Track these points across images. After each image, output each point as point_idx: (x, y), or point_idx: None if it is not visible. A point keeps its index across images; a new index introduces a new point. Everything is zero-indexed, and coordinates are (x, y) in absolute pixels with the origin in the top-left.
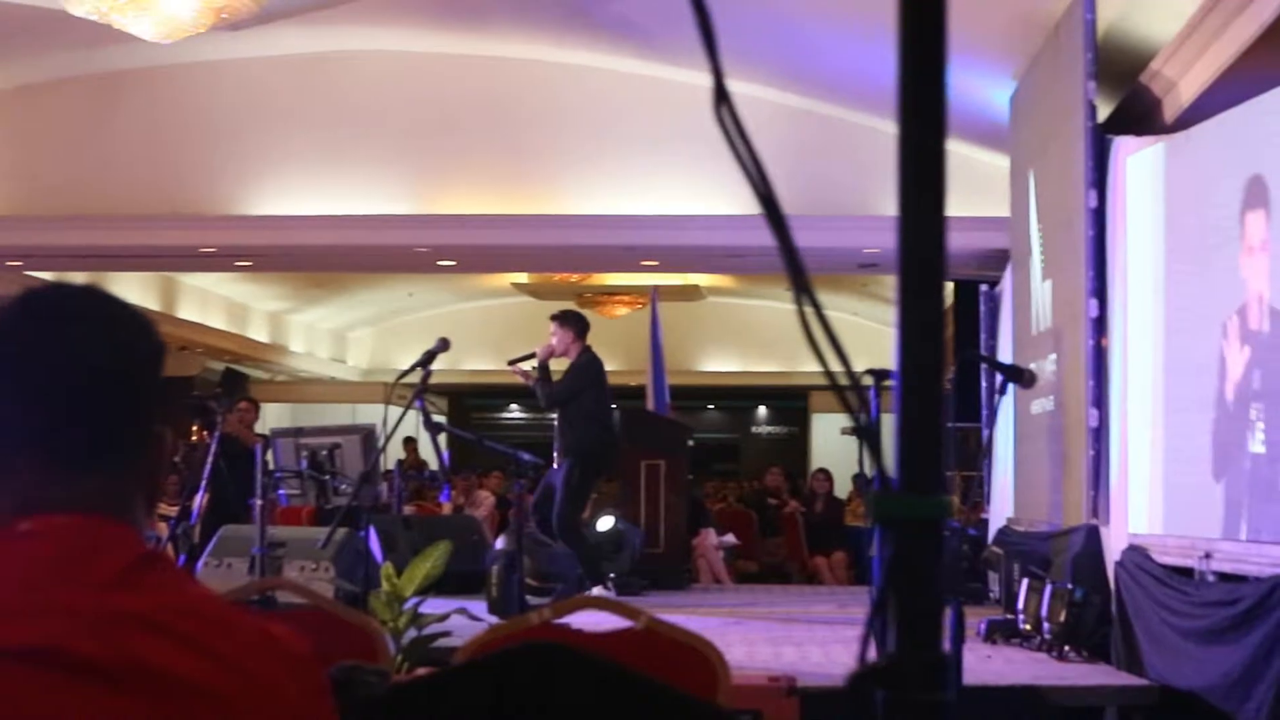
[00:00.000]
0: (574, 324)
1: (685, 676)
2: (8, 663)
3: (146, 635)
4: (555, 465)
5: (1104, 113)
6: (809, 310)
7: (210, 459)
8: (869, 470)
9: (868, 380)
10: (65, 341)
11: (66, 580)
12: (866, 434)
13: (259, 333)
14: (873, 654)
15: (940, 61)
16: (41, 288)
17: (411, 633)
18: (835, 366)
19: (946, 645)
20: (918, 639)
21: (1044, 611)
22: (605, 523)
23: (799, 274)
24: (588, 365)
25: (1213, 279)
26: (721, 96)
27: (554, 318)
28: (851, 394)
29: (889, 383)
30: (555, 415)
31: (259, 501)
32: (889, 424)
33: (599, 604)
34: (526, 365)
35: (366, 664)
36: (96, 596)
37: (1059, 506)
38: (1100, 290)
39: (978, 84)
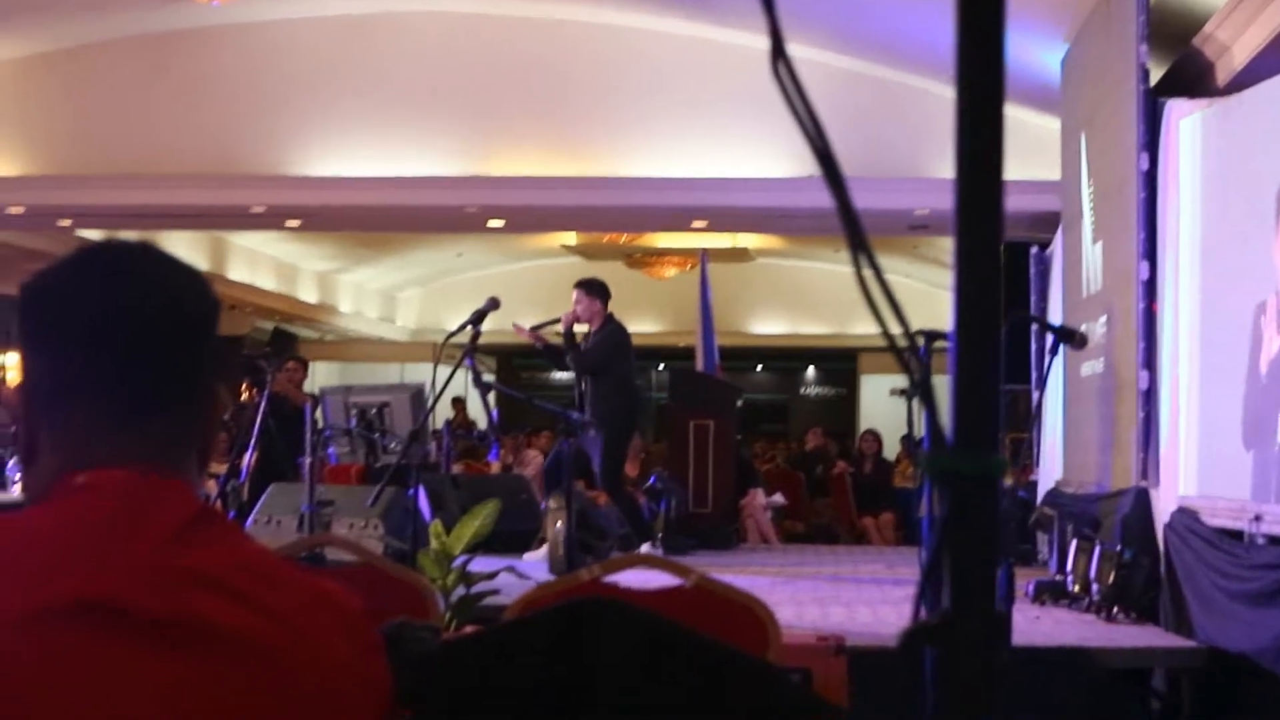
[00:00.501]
0: (600, 293)
1: (735, 634)
2: (63, 618)
3: (201, 591)
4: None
5: (1156, 75)
6: (866, 269)
7: (259, 417)
8: (918, 431)
9: (919, 340)
10: (121, 296)
11: (122, 536)
12: (923, 391)
13: (308, 293)
14: (924, 612)
15: (999, 22)
16: (96, 244)
17: (460, 590)
18: (892, 326)
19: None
20: (972, 597)
21: (1093, 573)
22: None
23: (856, 231)
24: (617, 332)
25: (1260, 245)
26: (779, 52)
27: (580, 285)
28: (908, 354)
29: (940, 344)
30: (584, 381)
31: (308, 459)
32: (939, 385)
33: (649, 562)
34: (551, 330)
35: (417, 620)
36: (152, 552)
37: (1108, 469)
38: (1151, 253)
39: (1029, 46)
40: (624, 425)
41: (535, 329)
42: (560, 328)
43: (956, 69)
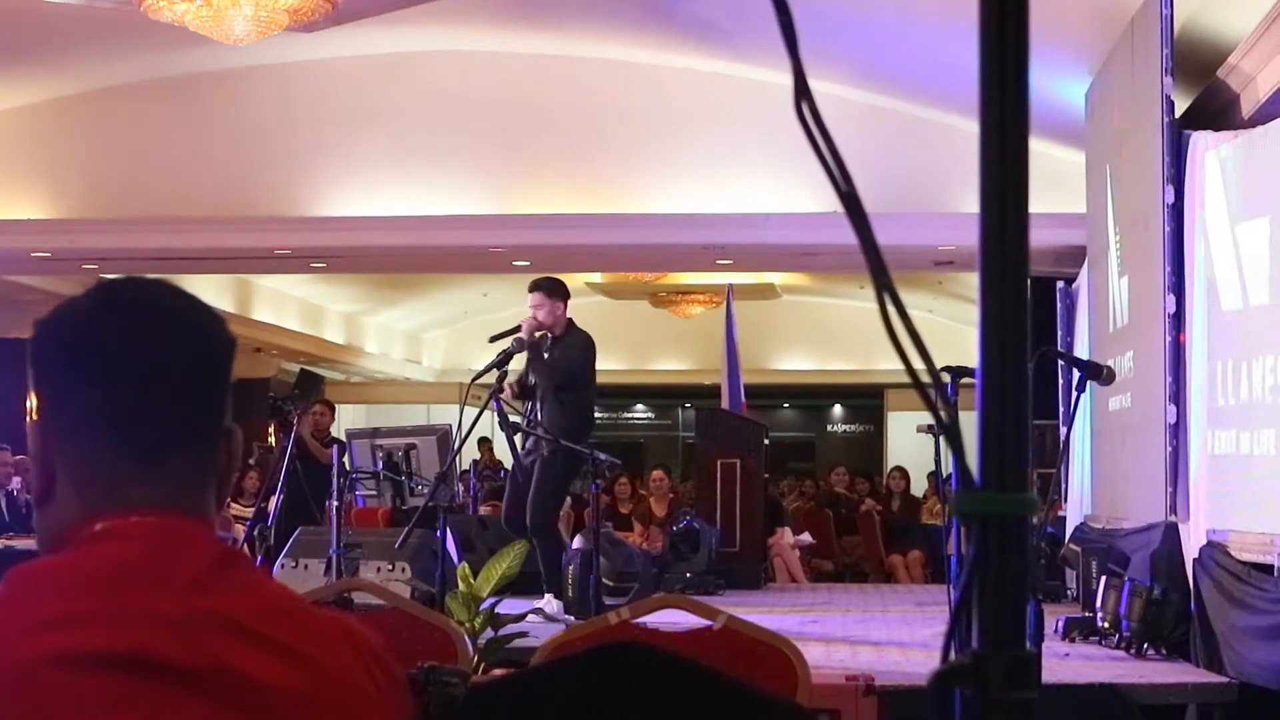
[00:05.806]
0: (563, 294)
1: (765, 676)
2: (93, 667)
3: (230, 638)
4: (526, 453)
5: (1180, 107)
6: (891, 308)
7: (286, 460)
8: (946, 468)
9: (945, 377)
10: (140, 331)
11: (148, 583)
12: (949, 431)
13: (334, 334)
14: (954, 652)
15: (1022, 56)
16: (111, 280)
17: (488, 633)
18: (917, 363)
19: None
20: (1002, 638)
21: (1122, 609)
22: (577, 541)
23: (881, 271)
24: (587, 342)
25: None
26: (803, 92)
27: (539, 288)
28: (933, 391)
29: (966, 380)
30: (535, 399)
31: (335, 502)
32: (966, 421)
33: (678, 604)
34: (507, 342)
35: (446, 665)
36: (179, 599)
37: (1137, 503)
38: (1178, 286)
39: (1053, 79)
40: (579, 451)
41: (494, 338)
42: (523, 336)
43: (981, 102)
